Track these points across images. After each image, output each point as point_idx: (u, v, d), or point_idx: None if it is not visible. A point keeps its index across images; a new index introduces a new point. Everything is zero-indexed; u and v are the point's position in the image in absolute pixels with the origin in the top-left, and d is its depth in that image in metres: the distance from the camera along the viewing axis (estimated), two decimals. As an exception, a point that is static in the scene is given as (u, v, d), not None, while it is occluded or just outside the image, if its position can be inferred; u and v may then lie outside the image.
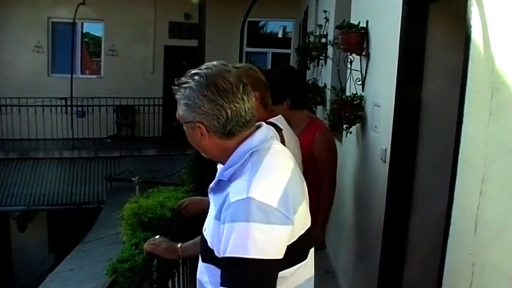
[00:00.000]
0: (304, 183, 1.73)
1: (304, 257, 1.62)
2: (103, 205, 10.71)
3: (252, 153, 1.56)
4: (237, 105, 1.52)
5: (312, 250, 1.69)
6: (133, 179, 8.96)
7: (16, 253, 11.75)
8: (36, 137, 12.41)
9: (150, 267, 2.44)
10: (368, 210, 3.84)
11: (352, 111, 3.95)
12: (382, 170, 3.37)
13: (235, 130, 1.55)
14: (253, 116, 1.58)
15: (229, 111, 1.51)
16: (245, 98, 1.54)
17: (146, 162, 11.98)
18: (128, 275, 4.45)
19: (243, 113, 1.53)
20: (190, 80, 1.54)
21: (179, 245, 2.29)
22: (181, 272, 2.71)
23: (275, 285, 1.47)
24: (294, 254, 1.54)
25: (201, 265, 1.70)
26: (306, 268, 1.63)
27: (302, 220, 1.56)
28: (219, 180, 1.61)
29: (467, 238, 1.88)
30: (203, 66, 1.57)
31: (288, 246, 1.49)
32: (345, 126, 4.10)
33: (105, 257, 7.26)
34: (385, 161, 3.32)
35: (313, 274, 1.70)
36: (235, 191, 1.49)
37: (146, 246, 2.42)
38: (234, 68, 1.61)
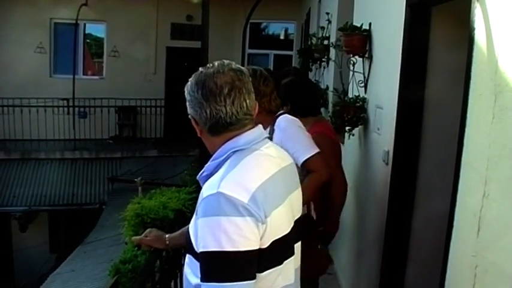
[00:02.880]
0: (295, 191, 1.76)
1: (279, 263, 1.61)
2: (104, 206, 10.71)
3: (235, 151, 1.61)
4: (218, 107, 1.58)
5: (292, 258, 1.68)
6: (135, 180, 8.95)
7: (17, 254, 11.74)
8: (38, 138, 12.44)
9: (152, 268, 2.45)
10: (370, 211, 3.84)
11: (354, 113, 3.96)
12: (384, 172, 3.37)
13: (216, 130, 1.63)
14: (237, 120, 1.61)
15: (208, 111, 1.58)
16: (228, 101, 1.57)
17: (148, 163, 11.97)
18: (131, 276, 4.44)
19: (222, 115, 1.58)
20: (194, 75, 1.65)
21: (167, 235, 2.35)
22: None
23: (254, 275, 1.49)
24: (266, 259, 1.54)
25: (186, 257, 1.71)
26: (282, 275, 1.62)
27: (277, 225, 1.56)
28: (203, 172, 1.68)
29: (470, 240, 1.88)
30: (209, 64, 1.65)
31: (260, 250, 1.50)
32: (347, 128, 4.10)
33: (106, 258, 7.27)
34: (387, 163, 3.32)
35: (292, 281, 1.68)
36: (208, 186, 1.54)
37: (134, 238, 2.49)
38: (241, 69, 1.65)
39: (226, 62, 1.64)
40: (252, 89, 1.65)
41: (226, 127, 1.61)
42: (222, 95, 1.57)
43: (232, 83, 1.58)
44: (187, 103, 1.65)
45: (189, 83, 1.64)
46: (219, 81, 1.57)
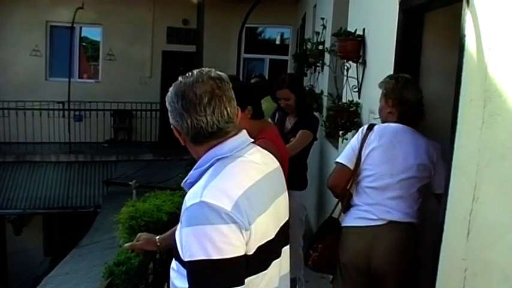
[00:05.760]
0: (281, 196, 1.76)
1: (264, 268, 1.61)
2: (99, 209, 10.67)
3: (218, 159, 1.60)
4: (198, 117, 1.57)
5: (277, 261, 1.68)
6: (130, 183, 8.95)
7: (11, 256, 11.70)
8: (33, 141, 12.39)
9: (146, 270, 2.46)
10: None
11: (348, 117, 3.98)
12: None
13: (198, 140, 1.62)
14: (219, 129, 1.60)
15: (189, 122, 1.58)
16: (208, 111, 1.57)
17: (143, 166, 11.96)
18: (124, 277, 4.46)
19: (203, 125, 1.58)
20: (173, 85, 1.64)
21: (157, 236, 2.35)
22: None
23: (243, 281, 1.48)
24: (252, 264, 1.53)
25: (173, 261, 1.71)
26: (266, 278, 1.62)
27: (262, 231, 1.56)
28: (187, 180, 1.68)
29: (459, 243, 1.90)
30: (189, 73, 1.64)
31: (246, 257, 1.50)
32: (340, 132, 4.13)
33: (101, 261, 7.25)
34: (380, 167, 3.33)
35: (276, 285, 1.68)
36: (190, 195, 1.53)
37: (125, 245, 2.49)
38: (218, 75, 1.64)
39: (205, 70, 1.63)
40: (233, 96, 1.64)
41: (208, 137, 1.61)
42: (202, 105, 1.55)
43: (212, 92, 1.57)
44: (169, 113, 1.64)
45: (169, 93, 1.64)
46: (198, 91, 1.56)
